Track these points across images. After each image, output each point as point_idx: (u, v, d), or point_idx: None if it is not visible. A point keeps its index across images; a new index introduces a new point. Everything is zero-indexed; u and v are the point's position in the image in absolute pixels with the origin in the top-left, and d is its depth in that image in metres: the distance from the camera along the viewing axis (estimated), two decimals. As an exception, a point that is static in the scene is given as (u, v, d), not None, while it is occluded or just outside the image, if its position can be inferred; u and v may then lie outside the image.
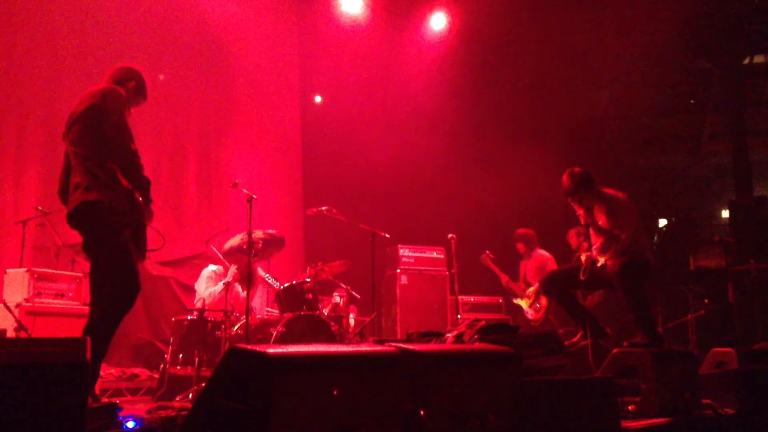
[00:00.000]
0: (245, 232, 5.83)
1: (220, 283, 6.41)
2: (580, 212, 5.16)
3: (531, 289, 7.57)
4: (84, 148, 3.66)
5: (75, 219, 3.71)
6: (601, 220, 5.12)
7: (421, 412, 2.36)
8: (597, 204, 5.16)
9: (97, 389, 3.74)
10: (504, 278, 7.89)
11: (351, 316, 7.63)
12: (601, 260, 5.11)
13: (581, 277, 5.08)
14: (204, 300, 6.42)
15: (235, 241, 6.29)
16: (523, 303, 7.67)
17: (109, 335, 3.59)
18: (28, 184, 6.77)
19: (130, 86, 4.02)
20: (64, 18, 7.15)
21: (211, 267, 6.72)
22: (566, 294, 5.33)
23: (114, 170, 3.65)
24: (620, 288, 4.96)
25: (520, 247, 7.94)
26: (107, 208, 3.58)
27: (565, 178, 5.22)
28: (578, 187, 5.14)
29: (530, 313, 7.55)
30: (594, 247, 5.18)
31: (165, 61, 8.08)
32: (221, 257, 6.51)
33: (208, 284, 6.55)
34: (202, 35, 8.49)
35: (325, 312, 6.46)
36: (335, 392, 2.19)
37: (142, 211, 3.72)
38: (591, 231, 5.18)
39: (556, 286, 5.37)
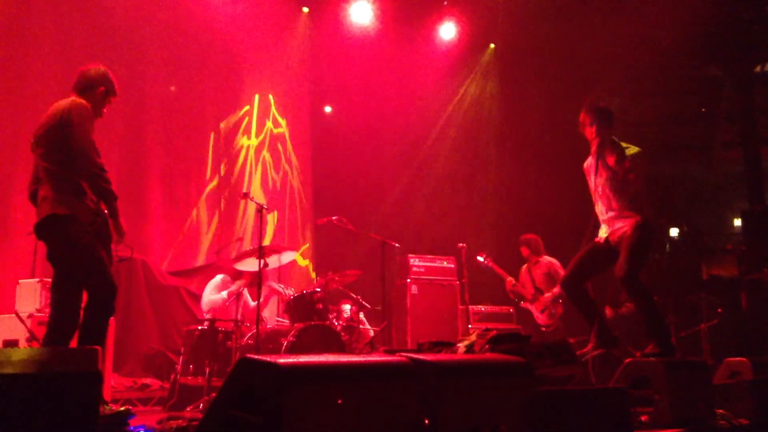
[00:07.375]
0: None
1: (223, 293, 6.42)
2: (594, 142, 4.92)
3: (546, 296, 7.46)
4: (51, 162, 3.77)
5: (42, 231, 3.81)
6: (611, 161, 4.87)
7: (425, 420, 2.35)
8: (609, 147, 4.89)
9: (107, 399, 3.76)
10: (509, 281, 7.75)
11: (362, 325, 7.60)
12: (615, 225, 4.83)
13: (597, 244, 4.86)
14: (212, 309, 6.43)
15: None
16: (532, 306, 7.58)
17: (100, 340, 3.67)
18: (40, 194, 6.79)
19: (99, 92, 4.07)
20: (77, 31, 7.20)
21: (220, 276, 6.73)
22: (587, 301, 5.11)
23: (79, 183, 3.74)
24: (627, 249, 4.61)
25: (523, 250, 7.76)
26: (72, 221, 3.68)
27: (583, 110, 5.01)
28: (595, 112, 4.95)
29: (541, 318, 7.47)
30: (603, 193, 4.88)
31: (176, 72, 8.13)
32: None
33: (212, 292, 6.56)
34: (213, 47, 8.54)
35: (336, 323, 6.44)
36: (341, 401, 2.18)
37: (107, 222, 3.79)
38: (599, 167, 4.90)
39: (576, 286, 5.00)
